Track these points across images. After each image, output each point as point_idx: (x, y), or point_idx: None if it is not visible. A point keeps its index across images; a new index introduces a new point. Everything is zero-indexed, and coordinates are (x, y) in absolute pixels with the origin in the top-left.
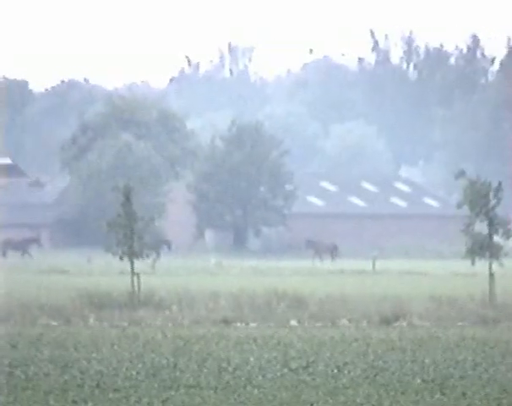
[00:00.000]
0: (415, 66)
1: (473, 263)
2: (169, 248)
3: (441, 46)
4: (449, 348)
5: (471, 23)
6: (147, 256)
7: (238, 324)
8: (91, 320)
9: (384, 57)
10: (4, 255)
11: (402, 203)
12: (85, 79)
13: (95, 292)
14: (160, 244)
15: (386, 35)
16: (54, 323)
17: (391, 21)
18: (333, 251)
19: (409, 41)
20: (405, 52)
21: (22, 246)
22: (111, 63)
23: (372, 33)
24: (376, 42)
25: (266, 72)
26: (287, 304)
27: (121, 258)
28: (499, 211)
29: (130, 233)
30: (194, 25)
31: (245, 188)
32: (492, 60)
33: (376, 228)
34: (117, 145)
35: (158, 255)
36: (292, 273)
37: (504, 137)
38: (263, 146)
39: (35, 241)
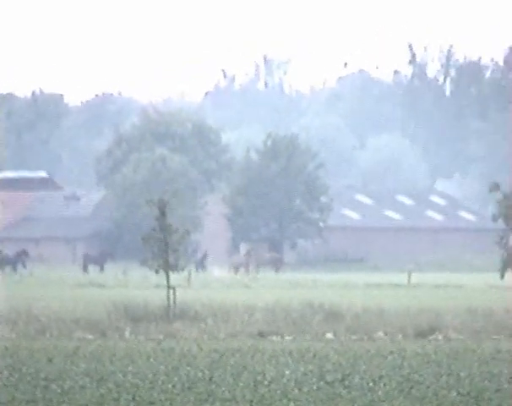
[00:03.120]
0: (451, 79)
1: (502, 277)
2: (205, 258)
3: (478, 59)
4: (484, 361)
5: (508, 35)
6: (182, 270)
7: (274, 337)
8: (127, 334)
9: (420, 70)
10: (85, 269)
11: (438, 216)
12: (119, 93)
13: (131, 305)
14: (203, 257)
15: (425, 48)
16: (90, 336)
17: (427, 35)
18: (276, 264)
19: (448, 55)
20: (442, 65)
21: (100, 260)
22: (146, 76)
23: (410, 46)
24: (413, 55)
25: (301, 85)
26: (323, 316)
27: (156, 271)
28: None
29: (165, 246)
30: (230, 38)
31: (280, 200)
32: None
33: (411, 241)
34: (152, 159)
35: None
36: (328, 286)
37: None
38: (298, 159)
39: (110, 255)
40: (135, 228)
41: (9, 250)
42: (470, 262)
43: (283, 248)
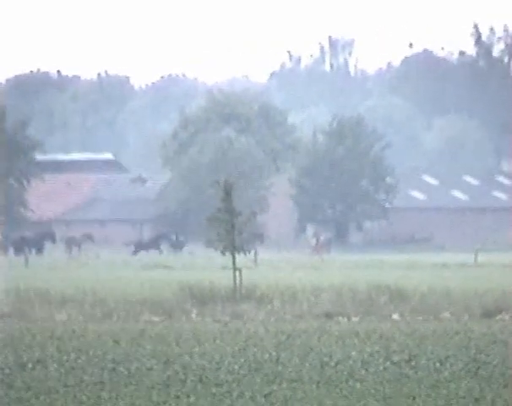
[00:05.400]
0: None
1: None
2: (261, 242)
3: None
4: None
5: None
6: (248, 251)
7: (340, 318)
8: (193, 315)
9: (485, 50)
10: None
11: (504, 196)
12: (183, 75)
13: (198, 286)
14: (253, 239)
15: (491, 28)
16: (156, 318)
17: (492, 13)
18: (325, 245)
19: None
20: (507, 45)
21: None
22: (211, 57)
23: (476, 26)
24: (479, 35)
25: (366, 65)
26: (389, 297)
27: (222, 253)
28: None
29: (231, 227)
30: (295, 19)
31: (346, 182)
32: None
33: (478, 222)
34: (218, 140)
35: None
36: (394, 267)
37: None
38: (364, 140)
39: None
40: (201, 210)
41: (76, 232)
42: None
43: (349, 229)
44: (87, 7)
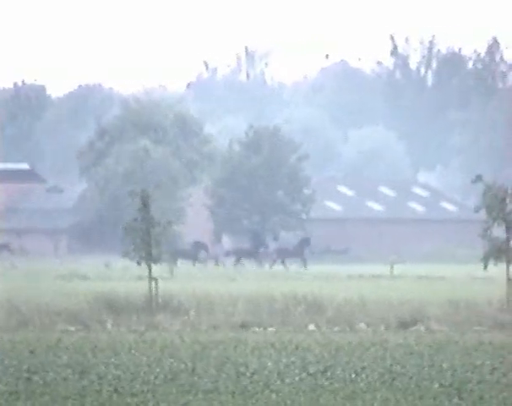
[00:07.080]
0: (433, 70)
1: (485, 267)
2: (207, 251)
3: (459, 50)
4: (466, 352)
5: (490, 27)
6: (165, 261)
7: (256, 329)
8: (109, 325)
9: (402, 61)
10: (237, 262)
11: (420, 207)
12: (99, 84)
13: (113, 297)
14: (198, 249)
15: (406, 39)
16: (72, 328)
17: (409, 25)
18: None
19: (430, 46)
20: (424, 56)
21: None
22: (129, 67)
23: (391, 37)
24: (395, 46)
25: (283, 76)
26: (305, 308)
27: (138, 263)
28: None
29: (147, 237)
30: (211, 30)
31: (263, 192)
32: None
33: (394, 233)
34: (134, 150)
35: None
36: (310, 278)
37: None
38: (280, 151)
39: (306, 242)
40: (117, 220)
41: None
42: (452, 253)
43: (265, 239)
44: (1, 16)
